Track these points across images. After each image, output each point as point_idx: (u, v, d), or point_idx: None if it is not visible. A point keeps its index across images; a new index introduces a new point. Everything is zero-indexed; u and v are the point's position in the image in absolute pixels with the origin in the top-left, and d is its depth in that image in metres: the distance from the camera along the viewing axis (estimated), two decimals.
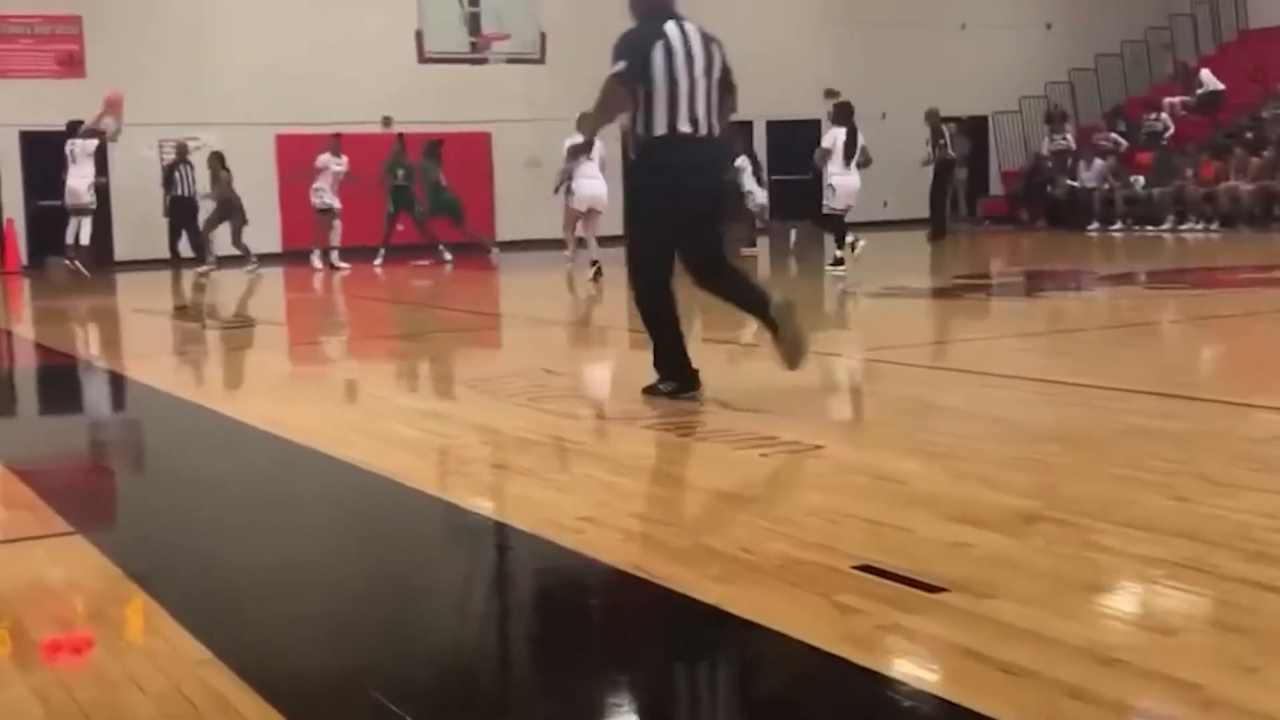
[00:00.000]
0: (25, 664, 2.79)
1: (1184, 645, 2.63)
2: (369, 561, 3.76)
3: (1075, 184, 21.69)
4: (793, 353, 5.70)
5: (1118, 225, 20.43)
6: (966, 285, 12.83)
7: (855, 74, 24.68)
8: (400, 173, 18.42)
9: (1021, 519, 3.58)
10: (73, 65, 20.30)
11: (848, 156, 14.19)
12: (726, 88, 5.86)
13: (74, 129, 16.95)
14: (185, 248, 18.57)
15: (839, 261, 14.18)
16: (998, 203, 24.44)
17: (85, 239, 16.79)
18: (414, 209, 18.32)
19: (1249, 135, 20.39)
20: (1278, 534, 3.34)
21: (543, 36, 17.84)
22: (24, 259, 19.99)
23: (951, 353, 7.98)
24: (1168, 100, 23.20)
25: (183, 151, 18.91)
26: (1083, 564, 3.19)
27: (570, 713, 2.50)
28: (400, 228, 18.73)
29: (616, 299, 13.74)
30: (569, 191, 15.16)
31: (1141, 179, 21.01)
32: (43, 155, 19.04)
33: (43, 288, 17.07)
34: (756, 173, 18.29)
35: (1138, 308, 10.45)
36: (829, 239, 14.90)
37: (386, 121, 18.38)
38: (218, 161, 17.84)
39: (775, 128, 23.91)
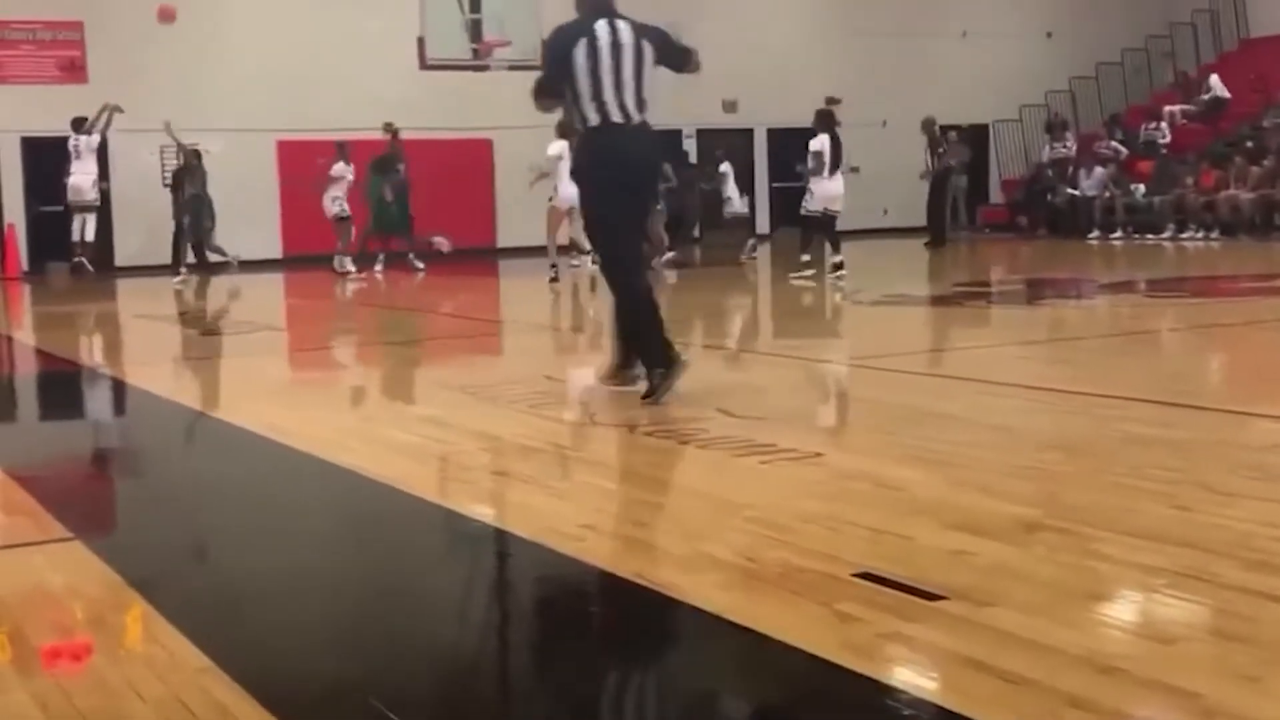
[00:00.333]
0: (25, 670, 2.78)
1: (1184, 654, 2.63)
2: (369, 569, 3.76)
3: (1076, 192, 21.70)
4: (655, 389, 5.93)
5: (1118, 233, 20.44)
6: (966, 293, 12.84)
7: (856, 82, 24.71)
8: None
9: (1022, 527, 3.58)
10: (74, 71, 20.32)
11: (834, 163, 14.32)
12: (678, 57, 6.36)
13: (78, 125, 16.93)
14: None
15: (839, 266, 14.20)
16: (998, 211, 24.46)
17: (90, 235, 16.77)
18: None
19: (1249, 144, 20.40)
20: (1278, 543, 3.33)
21: (543, 43, 17.84)
22: (25, 264, 20.00)
23: (951, 360, 7.98)
24: (1168, 109, 23.22)
25: (190, 156, 18.94)
26: (1083, 573, 3.19)
27: None
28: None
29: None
30: (552, 195, 15.39)
31: (1142, 187, 21.02)
32: (44, 161, 19.06)
33: (43, 293, 17.07)
34: (738, 180, 18.41)
35: (1138, 316, 10.45)
36: (812, 245, 14.91)
37: (388, 128, 18.38)
38: (195, 158, 17.82)
39: (776, 135, 23.94)
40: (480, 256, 19.96)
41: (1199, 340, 8.53)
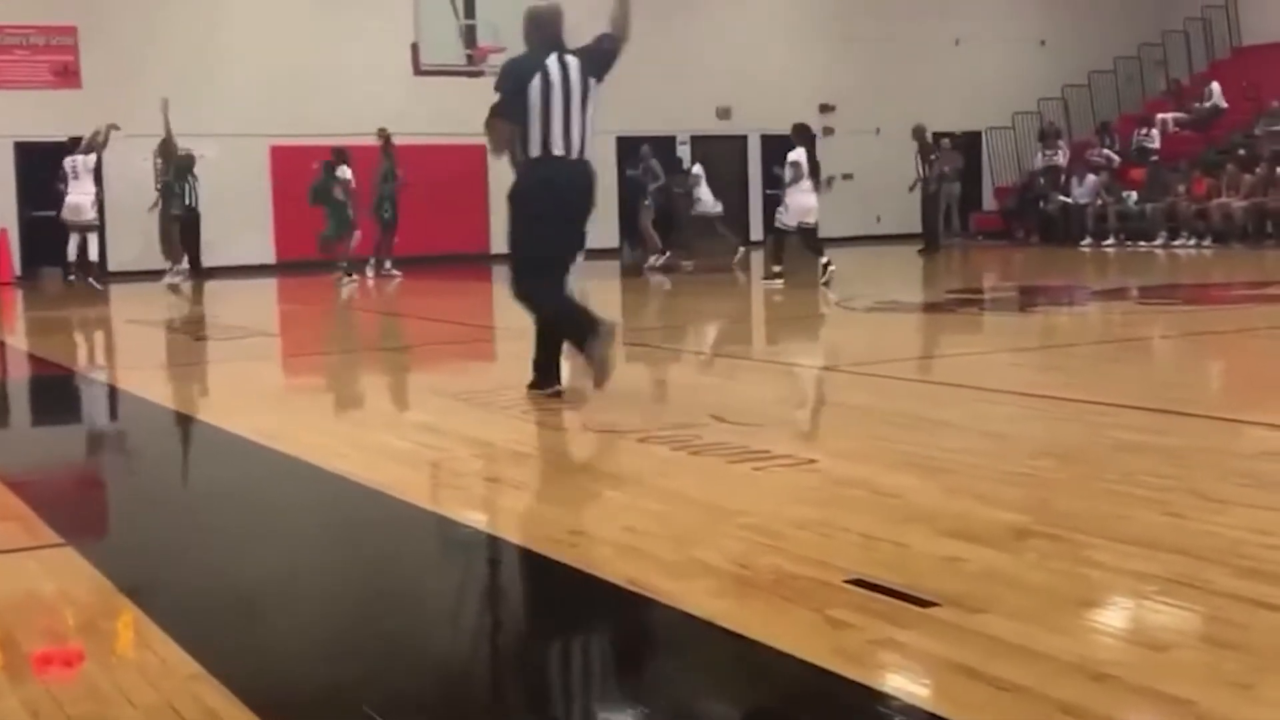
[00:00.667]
0: (16, 677, 2.78)
1: (1176, 661, 2.63)
2: (361, 575, 3.76)
3: (1068, 199, 21.74)
4: (598, 367, 6.30)
5: (1110, 241, 20.47)
6: (960, 300, 12.85)
7: (849, 89, 24.79)
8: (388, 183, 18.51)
9: (1014, 534, 3.58)
10: (68, 76, 20.30)
11: (812, 175, 14.45)
12: (611, 57, 6.71)
13: (75, 145, 16.85)
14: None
15: (824, 269, 14.34)
16: (991, 218, 24.50)
17: (93, 254, 16.72)
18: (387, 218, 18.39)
19: (1241, 152, 20.45)
20: (1270, 550, 3.34)
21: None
22: (17, 270, 19.96)
23: (944, 367, 7.99)
24: (1160, 116, 23.27)
25: (188, 161, 18.93)
26: (1075, 579, 3.19)
27: None
28: (397, 240, 18.73)
29: (608, 311, 13.75)
30: None
31: (1134, 195, 21.06)
32: (37, 166, 19.03)
33: (36, 298, 17.05)
34: (730, 186, 18.56)
35: (1130, 323, 10.46)
36: (784, 256, 15.02)
37: (382, 134, 18.38)
38: (176, 149, 17.75)
39: (770, 142, 23.96)
40: (473, 262, 19.96)
41: (1191, 347, 8.55)
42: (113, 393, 8.18)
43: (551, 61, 6.35)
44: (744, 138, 24.26)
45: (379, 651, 2.98)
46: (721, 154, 23.92)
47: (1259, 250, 18.14)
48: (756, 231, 23.32)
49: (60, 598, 3.41)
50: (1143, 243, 19.96)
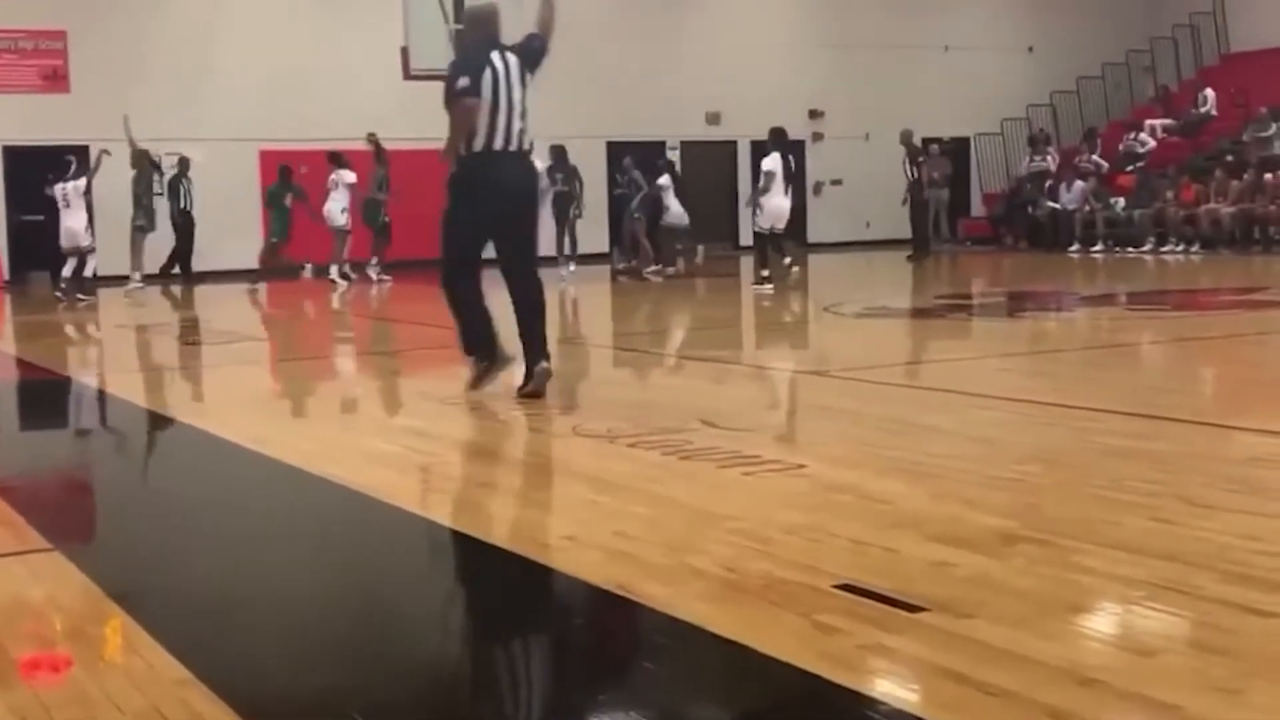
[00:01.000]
0: (4, 682, 2.77)
1: (1164, 666, 2.64)
2: (350, 580, 3.75)
3: (1056, 206, 21.79)
4: (535, 388, 6.46)
5: (1098, 247, 20.52)
6: (948, 305, 12.88)
7: (839, 95, 24.83)
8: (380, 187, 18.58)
9: (1002, 539, 3.59)
10: (56, 80, 20.25)
11: (786, 180, 14.54)
12: (541, 53, 6.82)
13: (63, 172, 16.71)
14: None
15: (791, 267, 14.54)
16: (979, 224, 24.55)
17: (88, 273, 16.67)
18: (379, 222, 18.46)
19: (1229, 158, 20.51)
20: (1257, 555, 3.35)
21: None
22: (5, 274, 19.91)
23: (933, 373, 8.00)
24: (1149, 123, 23.34)
25: (184, 165, 18.90)
26: (1063, 585, 3.20)
27: None
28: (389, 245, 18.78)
29: (598, 316, 13.76)
30: None
31: (1122, 201, 21.12)
32: (25, 170, 18.98)
33: (24, 303, 17.00)
34: (679, 191, 18.75)
35: (1118, 329, 10.49)
36: (769, 259, 15.13)
37: (371, 138, 18.39)
38: (146, 159, 17.67)
39: (760, 147, 23.96)
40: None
41: (1179, 353, 8.57)
42: (101, 397, 8.17)
43: (495, 57, 6.52)
44: (733, 143, 24.29)
45: (368, 657, 2.98)
46: (711, 159, 23.96)
47: (1246, 256, 18.20)
48: (746, 237, 23.35)
49: (48, 603, 3.40)
50: (1131, 249, 20.01)
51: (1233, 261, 17.61)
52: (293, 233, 18.47)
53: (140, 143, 17.98)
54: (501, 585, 3.68)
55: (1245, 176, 19.41)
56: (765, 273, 14.72)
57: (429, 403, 6.82)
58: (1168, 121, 23.36)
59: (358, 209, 18.33)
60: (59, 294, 16.29)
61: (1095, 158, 22.34)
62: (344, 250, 18.24)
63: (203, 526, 4.34)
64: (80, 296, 16.03)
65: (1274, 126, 20.59)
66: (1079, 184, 21.64)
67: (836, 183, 25.22)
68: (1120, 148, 22.78)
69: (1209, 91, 23.14)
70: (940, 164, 22.32)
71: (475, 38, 6.75)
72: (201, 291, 17.56)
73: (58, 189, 16.38)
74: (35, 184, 17.50)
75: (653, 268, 18.03)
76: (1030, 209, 22.33)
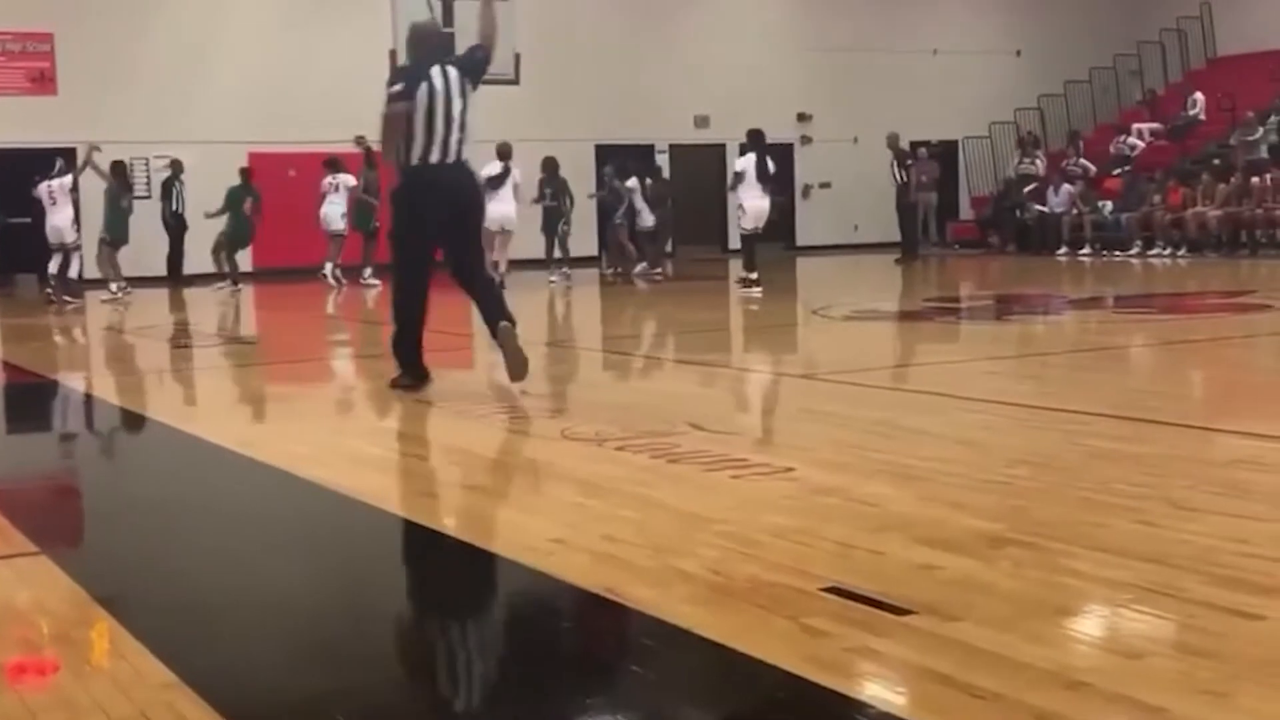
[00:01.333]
0: None
1: (1150, 669, 2.65)
2: (338, 584, 3.75)
3: (1044, 209, 21.84)
4: (514, 367, 6.74)
5: (1086, 250, 20.57)
6: (936, 308, 12.90)
7: (827, 99, 24.87)
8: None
9: (990, 542, 3.59)
10: (43, 83, 20.21)
11: (761, 180, 14.57)
12: (484, 64, 7.09)
13: (48, 170, 16.66)
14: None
15: (749, 282, 14.54)
16: (967, 227, 24.60)
17: (74, 272, 16.63)
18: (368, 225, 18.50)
19: (1216, 162, 20.58)
20: (1244, 558, 3.36)
21: (517, 58, 17.86)
22: None
23: (921, 375, 8.01)
24: (1136, 127, 23.41)
25: (177, 169, 18.86)
26: (1050, 587, 3.21)
27: None
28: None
29: (587, 320, 13.76)
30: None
31: (1110, 204, 21.17)
32: (13, 173, 18.90)
33: (11, 305, 16.95)
34: (646, 194, 18.93)
35: (1106, 332, 10.52)
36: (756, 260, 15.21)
37: (360, 141, 18.37)
38: (123, 170, 17.59)
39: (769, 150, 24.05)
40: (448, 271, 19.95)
41: (1166, 356, 8.59)
42: (88, 400, 8.15)
43: (435, 72, 6.76)
44: (722, 146, 24.30)
45: (356, 661, 2.97)
46: (700, 162, 23.97)
47: (1233, 259, 18.26)
48: (735, 240, 23.38)
49: (34, 607, 3.39)
50: (1118, 252, 20.06)
51: (1219, 265, 17.66)
52: (257, 236, 18.50)
53: (140, 154, 18.00)
54: (489, 589, 3.68)
55: (1232, 180, 19.47)
56: (754, 275, 14.74)
57: (417, 406, 6.81)
58: (1155, 125, 23.43)
59: (349, 213, 18.33)
60: (48, 291, 16.25)
61: (1083, 161, 22.39)
62: (339, 253, 18.22)
63: (189, 530, 4.33)
64: (68, 299, 16.00)
65: (1260, 130, 20.67)
66: (1066, 187, 21.70)
67: (825, 185, 25.26)
68: (1111, 150, 22.84)
69: (1198, 95, 23.21)
70: (928, 167, 22.37)
71: (419, 53, 6.99)
72: (190, 294, 17.52)
73: (43, 187, 16.33)
74: (22, 186, 17.43)
75: (640, 267, 18.12)
76: (1018, 212, 22.38)
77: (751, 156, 14.83)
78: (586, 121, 22.33)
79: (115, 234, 17.05)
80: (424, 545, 4.11)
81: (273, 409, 7.57)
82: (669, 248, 23.36)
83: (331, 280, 17.91)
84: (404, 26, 18.21)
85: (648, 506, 4.23)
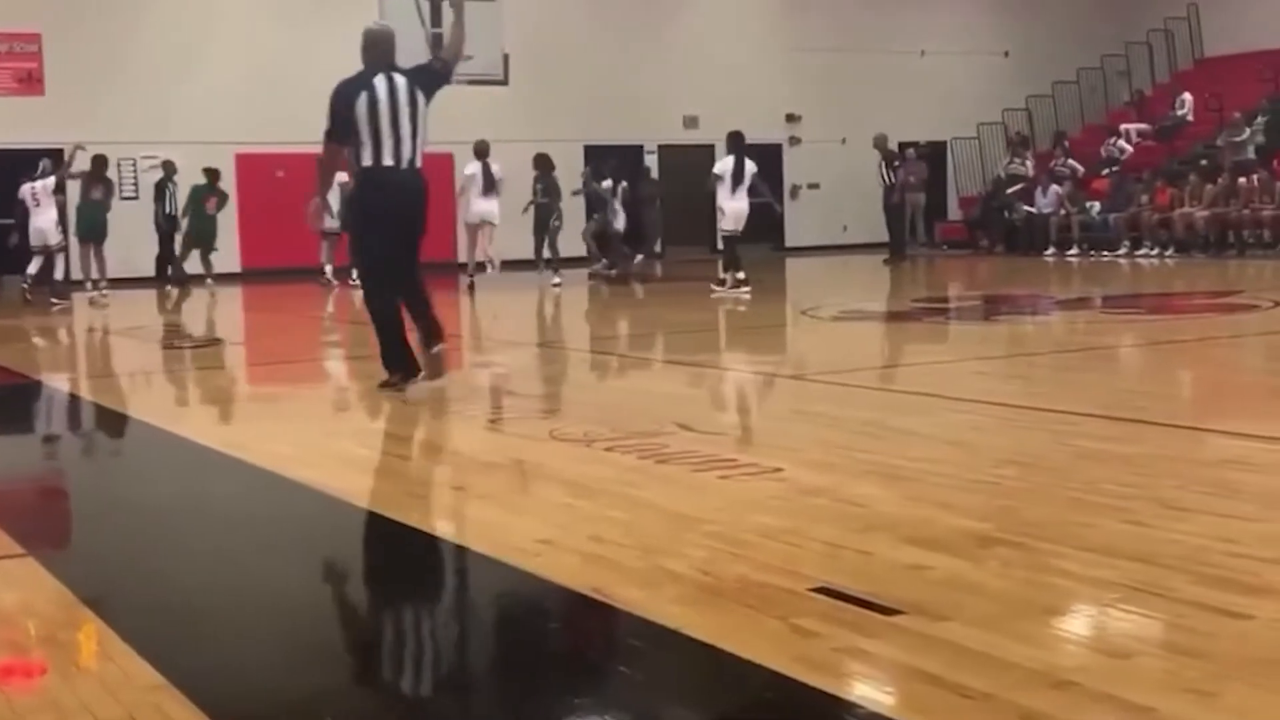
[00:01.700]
0: None
1: (1138, 669, 2.65)
2: (326, 586, 3.74)
3: (1032, 210, 21.88)
4: (431, 370, 6.96)
5: (1074, 251, 20.61)
6: (925, 309, 12.91)
7: (815, 100, 24.89)
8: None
9: (978, 542, 3.60)
10: (31, 83, 20.14)
11: (736, 182, 14.62)
12: (442, 76, 7.26)
13: (33, 172, 16.59)
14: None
15: (738, 281, 14.55)
16: (956, 227, 24.63)
17: (58, 274, 16.58)
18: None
19: (1203, 162, 20.63)
20: (1231, 558, 3.37)
21: (505, 58, 17.85)
22: None
23: (909, 376, 8.02)
24: (1124, 127, 23.46)
25: (169, 169, 18.82)
26: (1038, 587, 3.21)
27: None
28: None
29: (575, 320, 13.76)
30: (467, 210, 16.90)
31: (1097, 205, 21.21)
32: None
33: None
34: (621, 196, 19.33)
35: (1093, 332, 10.54)
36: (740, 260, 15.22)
37: None
38: (99, 164, 17.52)
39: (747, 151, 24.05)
40: (439, 271, 19.91)
41: (1153, 356, 8.61)
42: (76, 401, 8.12)
43: (379, 80, 6.88)
44: (711, 147, 24.29)
45: (344, 662, 2.97)
46: (689, 163, 23.97)
47: (1220, 260, 18.30)
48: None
49: (21, 609, 3.37)
50: (1106, 252, 20.10)
51: (1207, 265, 17.70)
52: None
53: (128, 155, 17.94)
54: (477, 590, 3.67)
55: (1219, 180, 19.52)
56: (741, 275, 14.76)
57: (406, 407, 6.80)
58: (1143, 126, 23.48)
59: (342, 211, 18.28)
60: (25, 292, 16.16)
61: (1071, 161, 22.44)
62: (333, 252, 18.19)
63: (177, 531, 4.32)
64: (54, 300, 15.95)
65: (1248, 131, 20.72)
66: (1054, 188, 21.74)
67: (814, 186, 25.28)
68: (1101, 152, 22.89)
69: (1186, 96, 23.27)
70: (917, 168, 22.39)
71: (369, 59, 7.07)
72: (178, 294, 17.47)
73: (26, 188, 16.26)
74: (8, 188, 17.38)
75: (598, 265, 18.31)
76: (1006, 213, 22.42)
77: (730, 159, 14.88)
78: (575, 122, 22.32)
79: (82, 230, 16.97)
80: (412, 546, 4.10)
81: (260, 410, 7.55)
82: (658, 248, 23.45)
83: (330, 279, 17.88)
84: (393, 26, 18.28)
85: (636, 507, 4.23)
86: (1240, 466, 4.65)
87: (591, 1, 23.44)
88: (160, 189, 18.94)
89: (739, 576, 3.34)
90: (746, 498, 4.28)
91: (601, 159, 20.44)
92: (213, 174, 18.68)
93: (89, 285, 16.97)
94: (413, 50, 18.08)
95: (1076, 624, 3.05)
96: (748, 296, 14.19)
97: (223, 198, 18.61)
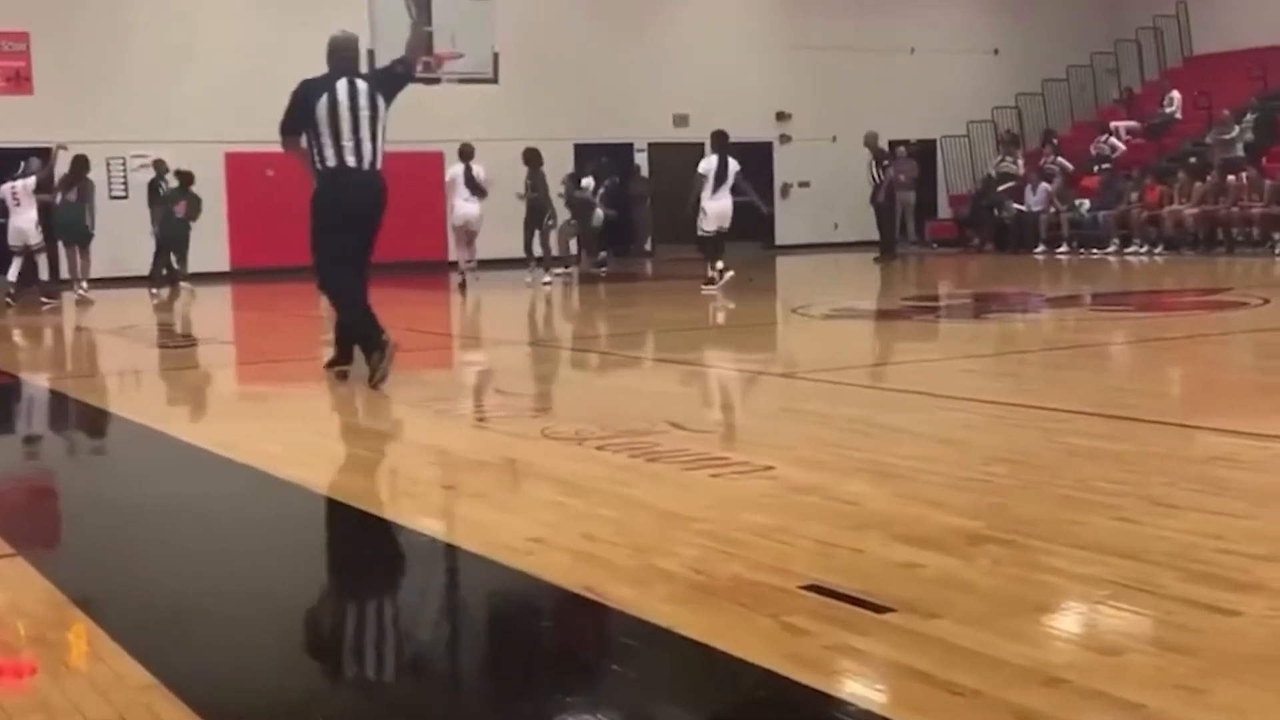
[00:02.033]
0: None
1: (1128, 665, 2.66)
2: (317, 586, 3.74)
3: (1022, 208, 21.92)
4: (375, 371, 7.12)
5: (1063, 248, 20.64)
6: (915, 307, 12.93)
7: (806, 98, 24.89)
8: None
9: (968, 540, 3.61)
10: (19, 82, 20.08)
11: (718, 182, 14.65)
12: (400, 80, 7.55)
13: (14, 167, 16.52)
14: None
15: (710, 281, 14.62)
16: (946, 225, 24.66)
17: (43, 274, 16.52)
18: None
19: (1192, 160, 20.67)
20: (1221, 554, 3.38)
21: (496, 56, 17.85)
22: None
23: (900, 374, 8.03)
24: (1113, 124, 23.50)
25: (161, 168, 18.77)
26: (1029, 584, 3.22)
27: None
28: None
29: (565, 318, 13.75)
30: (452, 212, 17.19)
31: (1087, 202, 21.25)
32: None
33: None
34: (599, 192, 19.53)
35: (1083, 330, 10.56)
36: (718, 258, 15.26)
37: None
38: (83, 166, 17.39)
39: (731, 150, 24.04)
40: (430, 270, 19.91)
41: (1143, 354, 8.63)
42: (65, 401, 8.10)
43: (341, 84, 7.15)
44: (701, 145, 24.26)
45: (335, 662, 2.97)
46: (679, 161, 23.97)
47: (1209, 257, 18.35)
48: None
49: (10, 609, 3.37)
50: (1095, 250, 20.14)
51: (1196, 262, 17.75)
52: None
53: (116, 154, 17.84)
54: (468, 589, 3.67)
55: (1208, 178, 19.56)
56: (719, 265, 14.80)
57: (398, 406, 6.80)
58: (1133, 124, 23.52)
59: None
60: (8, 297, 16.07)
61: (1060, 159, 22.48)
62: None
63: (167, 531, 4.32)
64: (44, 300, 15.91)
65: (1236, 129, 20.77)
66: (1044, 186, 21.77)
67: (804, 185, 25.29)
68: (1092, 150, 22.93)
69: (1174, 93, 23.31)
70: (907, 166, 22.39)
71: (332, 63, 7.33)
72: (166, 294, 17.44)
73: (6, 188, 16.18)
74: None
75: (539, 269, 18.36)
76: (996, 211, 22.45)
77: (714, 158, 14.91)
78: (565, 120, 22.30)
79: (60, 232, 16.87)
80: (403, 546, 4.10)
81: (250, 409, 7.54)
82: (648, 246, 23.45)
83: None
84: (382, 26, 18.28)
85: (627, 505, 4.23)
86: (1229, 463, 4.67)
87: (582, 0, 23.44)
88: (153, 188, 18.88)
89: (730, 575, 3.34)
90: (738, 496, 4.28)
91: (582, 159, 20.49)
92: (185, 177, 18.29)
93: (76, 286, 16.90)
94: (400, 48, 18.13)
95: (1067, 621, 3.06)
96: (732, 275, 14.24)
97: (194, 201, 18.09)
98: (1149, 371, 7.91)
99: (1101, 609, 3.04)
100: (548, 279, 16.97)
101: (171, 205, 18.11)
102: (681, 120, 24.09)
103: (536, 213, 17.51)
